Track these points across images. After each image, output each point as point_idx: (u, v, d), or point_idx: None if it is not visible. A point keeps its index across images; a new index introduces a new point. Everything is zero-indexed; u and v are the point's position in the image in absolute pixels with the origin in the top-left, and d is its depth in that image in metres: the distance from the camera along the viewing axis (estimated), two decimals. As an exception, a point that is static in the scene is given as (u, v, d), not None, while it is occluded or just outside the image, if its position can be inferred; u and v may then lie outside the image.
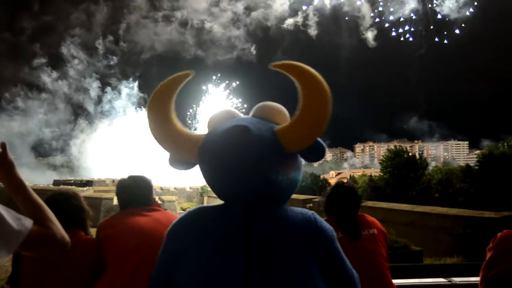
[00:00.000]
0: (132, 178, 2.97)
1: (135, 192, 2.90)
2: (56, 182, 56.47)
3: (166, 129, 1.62)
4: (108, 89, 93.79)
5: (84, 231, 2.71)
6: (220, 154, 1.55)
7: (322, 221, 1.63)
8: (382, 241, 2.99)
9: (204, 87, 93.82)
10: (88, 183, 51.85)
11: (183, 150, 1.63)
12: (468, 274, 4.66)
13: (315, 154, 1.60)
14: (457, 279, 4.60)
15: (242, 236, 1.51)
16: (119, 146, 74.61)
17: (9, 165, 1.61)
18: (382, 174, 37.10)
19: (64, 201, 2.69)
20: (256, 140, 1.53)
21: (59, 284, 2.47)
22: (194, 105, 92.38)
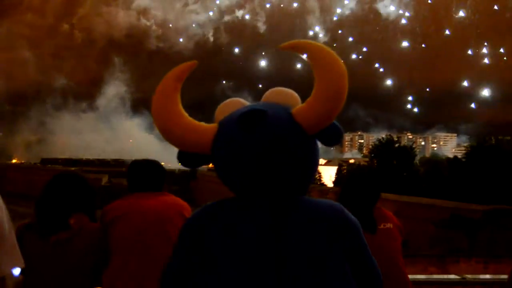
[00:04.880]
0: (147, 161, 2.89)
1: (148, 176, 2.81)
2: (44, 161, 55.96)
3: (175, 122, 1.53)
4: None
5: (90, 217, 2.59)
6: (238, 142, 1.47)
7: (349, 213, 1.59)
8: (398, 236, 2.91)
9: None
10: (76, 162, 51.50)
11: (195, 143, 1.53)
12: (445, 268, 4.71)
13: (333, 136, 1.55)
14: (470, 276, 4.62)
15: (270, 232, 1.44)
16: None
17: None
18: (370, 162, 37.34)
19: (72, 183, 2.57)
20: (275, 123, 1.46)
21: (62, 272, 2.40)
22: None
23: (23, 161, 61.18)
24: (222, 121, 1.57)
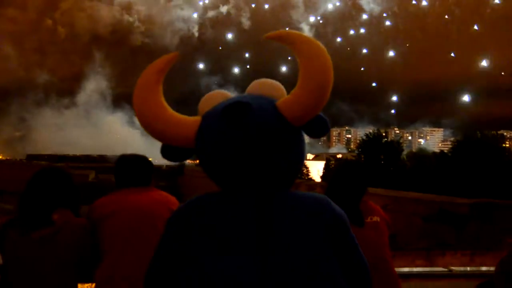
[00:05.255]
0: (135, 156, 2.83)
1: (136, 171, 2.76)
2: (29, 157, 55.48)
3: (157, 115, 1.50)
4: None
5: (74, 212, 2.54)
6: (222, 135, 1.45)
7: (336, 206, 1.56)
8: (385, 229, 2.89)
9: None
10: (62, 158, 51.11)
11: (178, 136, 1.50)
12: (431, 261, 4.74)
13: (319, 128, 1.52)
14: (456, 268, 4.65)
15: (255, 225, 1.42)
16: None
17: None
18: (357, 157, 37.63)
19: (55, 178, 2.52)
20: (260, 115, 1.43)
21: (46, 268, 2.35)
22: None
23: (8, 158, 60.57)
24: (205, 114, 1.55)
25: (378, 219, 2.87)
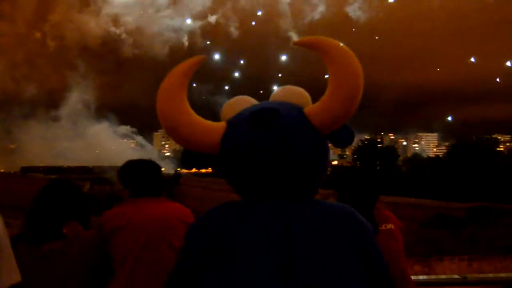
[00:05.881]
0: (143, 162, 2.69)
1: (147, 179, 2.63)
2: (23, 169, 55.19)
3: (182, 120, 1.44)
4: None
5: (84, 225, 2.46)
6: (249, 141, 1.39)
7: (362, 216, 1.51)
8: (399, 237, 2.81)
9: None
10: (57, 170, 50.89)
11: (204, 142, 1.45)
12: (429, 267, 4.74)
13: (345, 137, 1.48)
14: (471, 276, 4.64)
15: (280, 235, 1.36)
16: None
17: None
18: (353, 163, 37.72)
19: (65, 190, 2.46)
20: (288, 122, 1.39)
21: (56, 282, 2.29)
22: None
23: (2, 170, 60.24)
24: (231, 120, 1.49)
25: (393, 226, 2.81)
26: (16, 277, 1.58)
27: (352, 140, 1.50)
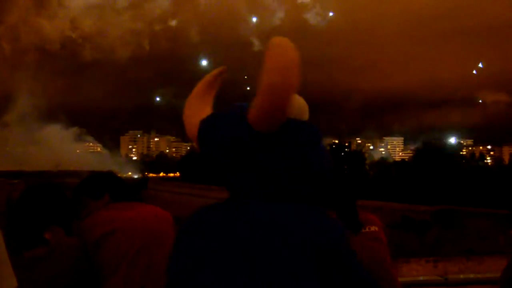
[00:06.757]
0: (109, 172, 2.70)
1: (125, 185, 2.64)
2: (-17, 173, 53.52)
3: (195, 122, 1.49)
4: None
5: (67, 229, 2.39)
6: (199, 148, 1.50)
7: (331, 229, 1.36)
8: (384, 239, 2.82)
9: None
10: (18, 174, 49.50)
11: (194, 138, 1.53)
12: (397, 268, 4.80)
13: (293, 133, 1.38)
14: (452, 276, 4.69)
15: (239, 243, 1.33)
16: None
17: None
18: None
19: (48, 194, 2.39)
20: (223, 126, 1.43)
21: None
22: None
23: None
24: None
25: (377, 229, 2.82)
26: (13, 282, 1.58)
27: (311, 136, 1.42)
